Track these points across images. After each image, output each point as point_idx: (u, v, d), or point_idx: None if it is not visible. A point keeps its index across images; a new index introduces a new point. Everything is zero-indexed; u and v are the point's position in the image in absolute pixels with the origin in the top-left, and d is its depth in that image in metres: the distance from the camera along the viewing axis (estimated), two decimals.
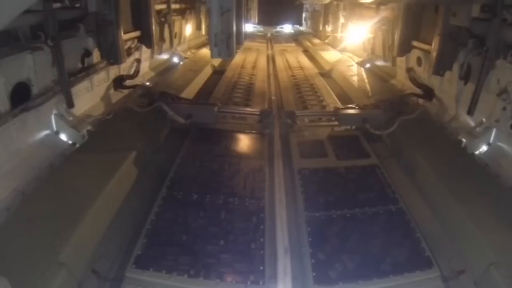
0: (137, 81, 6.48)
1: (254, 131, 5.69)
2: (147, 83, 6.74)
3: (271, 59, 11.49)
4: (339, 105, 6.32)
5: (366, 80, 7.70)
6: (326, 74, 9.27)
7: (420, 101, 5.94)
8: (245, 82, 8.35)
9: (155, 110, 5.38)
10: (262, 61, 10.94)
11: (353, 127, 5.63)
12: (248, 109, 6.36)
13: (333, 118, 5.70)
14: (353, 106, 5.78)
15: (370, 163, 4.67)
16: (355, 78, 8.08)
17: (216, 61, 9.71)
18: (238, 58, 10.84)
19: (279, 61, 11.06)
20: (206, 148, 5.06)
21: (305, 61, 11.03)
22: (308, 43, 13.92)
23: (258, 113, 5.80)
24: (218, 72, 9.31)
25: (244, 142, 5.48)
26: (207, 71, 9.22)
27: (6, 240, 2.95)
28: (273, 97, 7.21)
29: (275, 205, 3.70)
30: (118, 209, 3.82)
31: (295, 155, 4.93)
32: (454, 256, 3.31)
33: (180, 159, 4.69)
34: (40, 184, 3.59)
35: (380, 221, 3.64)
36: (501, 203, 3.50)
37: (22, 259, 2.86)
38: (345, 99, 7.21)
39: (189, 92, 7.17)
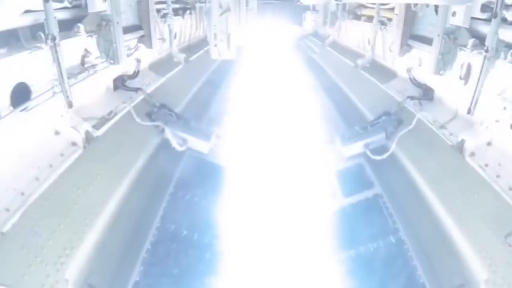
0: (137, 81, 6.48)
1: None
2: (148, 86, 6.73)
3: None
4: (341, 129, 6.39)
5: (366, 85, 7.69)
6: None
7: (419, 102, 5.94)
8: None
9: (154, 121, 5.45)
10: None
11: (357, 153, 5.65)
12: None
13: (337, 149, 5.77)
14: (354, 131, 5.79)
15: (374, 193, 4.78)
16: (355, 82, 8.08)
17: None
18: None
19: None
20: (197, 180, 5.12)
21: None
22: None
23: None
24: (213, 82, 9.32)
25: (237, 180, 5.50)
26: (205, 77, 9.23)
27: (14, 253, 3.01)
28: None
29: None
30: (116, 228, 3.90)
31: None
32: (453, 274, 3.38)
33: (173, 188, 4.79)
34: (44, 192, 3.60)
35: (381, 254, 3.78)
36: (501, 214, 3.54)
37: (29, 274, 2.94)
38: (346, 109, 7.25)
39: (187, 103, 7.20)
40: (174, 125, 5.59)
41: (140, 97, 6.00)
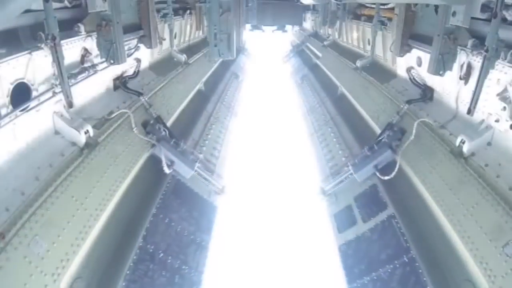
0: (137, 81, 6.48)
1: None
2: (147, 86, 6.75)
3: None
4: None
5: (370, 91, 7.69)
6: None
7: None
8: None
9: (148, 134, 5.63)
10: None
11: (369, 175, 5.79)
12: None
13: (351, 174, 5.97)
14: (363, 155, 5.93)
15: (388, 214, 4.95)
16: (361, 90, 8.11)
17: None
18: None
19: None
20: (175, 204, 5.35)
21: None
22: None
23: None
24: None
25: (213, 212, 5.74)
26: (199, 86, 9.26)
27: (17, 263, 3.11)
28: None
29: None
30: (106, 243, 4.12)
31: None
32: (459, 286, 3.63)
33: (156, 209, 4.97)
34: (45, 201, 3.66)
35: (397, 275, 3.98)
36: (499, 224, 3.63)
37: (30, 283, 3.08)
38: (355, 122, 7.33)
39: (180, 113, 7.34)
40: (165, 144, 5.75)
41: (139, 102, 6.01)
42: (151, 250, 4.36)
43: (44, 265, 3.29)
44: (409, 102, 6.06)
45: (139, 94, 6.09)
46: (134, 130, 5.39)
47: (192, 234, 5.17)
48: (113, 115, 5.16)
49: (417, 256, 4.13)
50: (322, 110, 9.27)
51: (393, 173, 5.20)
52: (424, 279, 3.88)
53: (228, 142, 8.32)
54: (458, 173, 4.36)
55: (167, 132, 6.06)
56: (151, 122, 5.89)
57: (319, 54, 12.70)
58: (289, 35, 19.06)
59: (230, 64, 12.41)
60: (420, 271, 3.98)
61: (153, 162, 5.61)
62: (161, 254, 4.43)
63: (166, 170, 5.39)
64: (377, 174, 5.44)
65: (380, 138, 5.96)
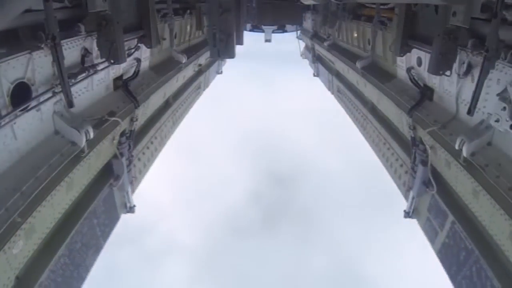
0: (136, 81, 6.49)
1: None
2: (145, 86, 6.76)
3: None
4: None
5: (383, 99, 7.70)
6: None
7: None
8: None
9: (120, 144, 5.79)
10: None
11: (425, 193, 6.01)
12: None
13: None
14: (411, 179, 6.22)
15: (450, 221, 5.16)
16: (375, 97, 8.11)
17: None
18: None
19: None
20: (102, 216, 5.60)
21: None
22: None
23: None
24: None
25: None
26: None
27: (5, 269, 3.32)
28: None
29: None
30: (49, 236, 4.34)
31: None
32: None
33: (88, 213, 5.15)
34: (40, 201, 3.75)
35: (472, 275, 4.42)
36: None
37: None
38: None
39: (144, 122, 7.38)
40: (125, 160, 5.96)
41: (131, 109, 6.05)
42: (71, 247, 4.74)
43: (14, 263, 3.48)
44: (410, 112, 6.08)
45: (137, 105, 6.11)
46: (114, 141, 5.48)
47: (97, 238, 5.49)
48: (111, 119, 5.18)
49: (479, 256, 4.39)
50: (371, 127, 9.22)
51: (435, 187, 5.48)
52: (491, 278, 4.14)
53: (155, 161, 8.31)
54: (470, 183, 4.48)
55: (131, 147, 6.20)
56: (127, 133, 6.02)
57: (331, 59, 12.57)
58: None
59: (202, 73, 12.27)
60: (486, 269, 4.24)
61: (106, 168, 5.76)
62: (75, 252, 4.83)
63: (114, 184, 5.67)
64: (427, 191, 5.77)
65: (413, 155, 6.21)
